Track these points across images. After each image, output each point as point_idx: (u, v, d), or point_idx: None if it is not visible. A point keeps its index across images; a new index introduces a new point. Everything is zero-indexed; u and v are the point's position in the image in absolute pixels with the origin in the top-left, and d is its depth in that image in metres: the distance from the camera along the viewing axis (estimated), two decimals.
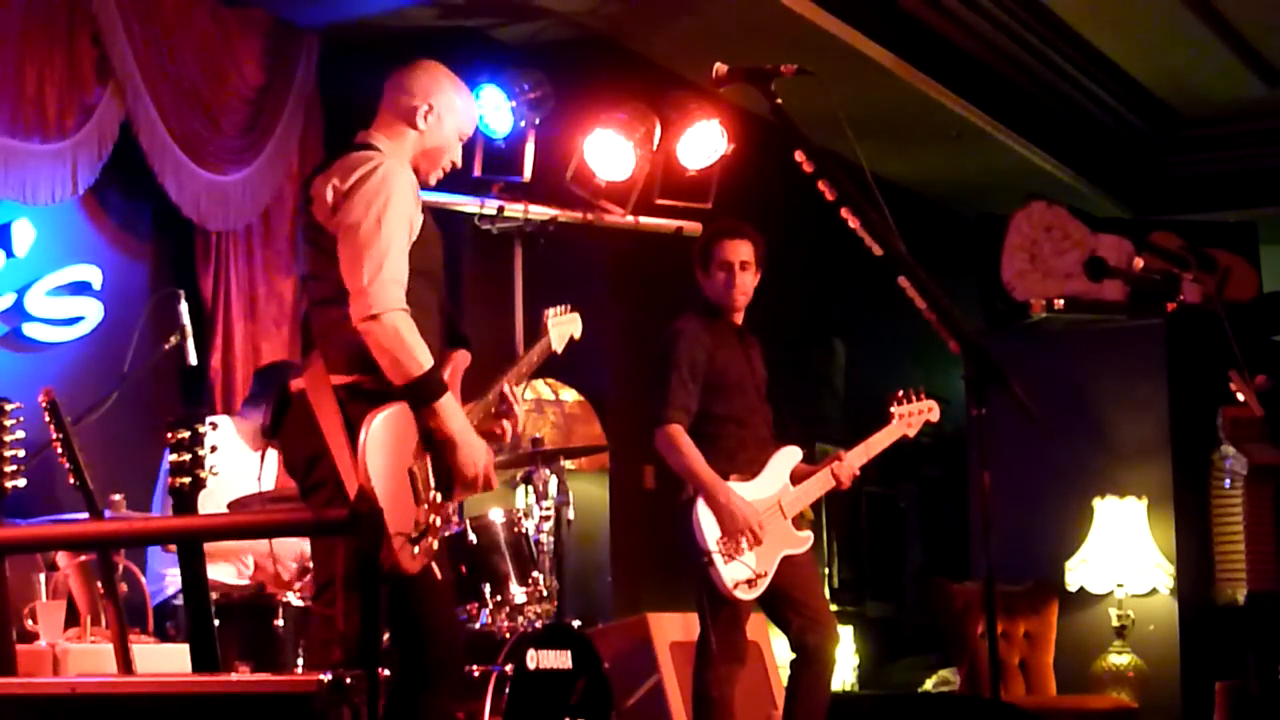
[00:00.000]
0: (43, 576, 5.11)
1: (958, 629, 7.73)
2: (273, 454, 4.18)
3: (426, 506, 3.96)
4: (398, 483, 3.88)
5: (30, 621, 4.97)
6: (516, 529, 5.69)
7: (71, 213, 6.47)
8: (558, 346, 4.73)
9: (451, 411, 4.01)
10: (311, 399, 3.95)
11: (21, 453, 4.42)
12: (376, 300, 3.91)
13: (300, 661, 5.11)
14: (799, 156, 3.69)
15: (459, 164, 4.36)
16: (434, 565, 4.01)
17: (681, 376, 5.52)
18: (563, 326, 4.76)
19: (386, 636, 5.25)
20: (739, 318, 5.72)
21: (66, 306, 6.38)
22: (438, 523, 3.99)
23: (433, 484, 4.00)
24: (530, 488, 5.93)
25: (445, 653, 4.13)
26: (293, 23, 7.17)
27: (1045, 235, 8.46)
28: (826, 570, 9.59)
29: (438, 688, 4.10)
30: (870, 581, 10.32)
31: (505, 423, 4.32)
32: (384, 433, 3.84)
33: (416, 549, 3.88)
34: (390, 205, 3.99)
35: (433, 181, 4.32)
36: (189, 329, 5.63)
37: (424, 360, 3.94)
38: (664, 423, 5.48)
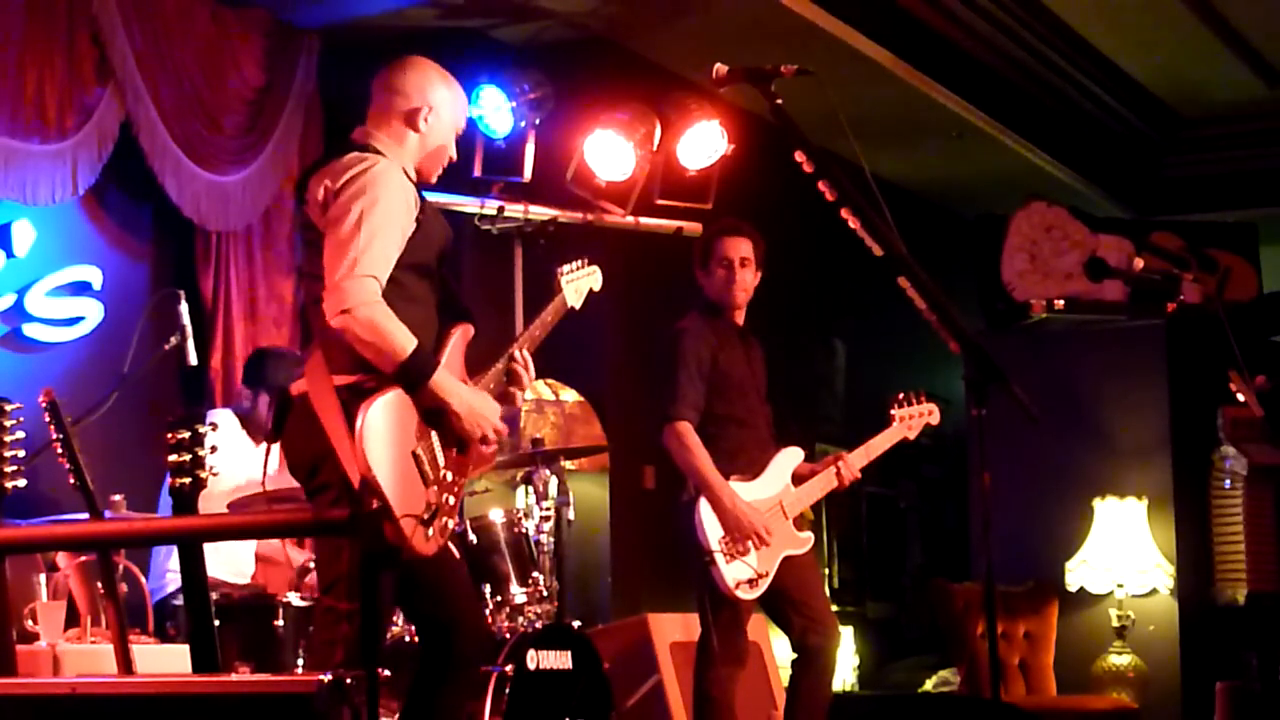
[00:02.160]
0: (43, 577, 5.11)
1: (958, 629, 7.73)
2: (276, 448, 4.17)
3: (437, 487, 3.95)
4: (403, 467, 3.87)
5: (30, 622, 4.97)
6: (517, 529, 5.69)
7: (72, 213, 6.47)
8: (575, 302, 4.58)
9: (446, 385, 3.99)
10: (314, 400, 3.94)
11: (22, 453, 4.42)
12: (349, 295, 3.89)
13: (300, 662, 5.11)
14: (799, 157, 3.69)
15: (455, 158, 4.33)
16: (451, 546, 4.00)
17: (689, 374, 5.52)
18: (580, 281, 4.62)
19: (399, 630, 5.25)
20: (740, 316, 5.71)
21: (67, 307, 6.38)
22: (450, 501, 3.99)
23: (441, 462, 4.00)
24: (530, 488, 5.93)
25: (473, 646, 4.15)
26: (293, 23, 7.17)
27: (1045, 235, 8.46)
28: (827, 571, 9.59)
29: (461, 682, 4.11)
30: (870, 582, 10.33)
31: (514, 389, 4.27)
32: (381, 420, 3.83)
33: (430, 530, 3.88)
34: (375, 205, 3.96)
35: (434, 179, 4.30)
36: (189, 329, 5.62)
37: (406, 343, 3.92)
38: (673, 419, 5.47)
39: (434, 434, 4.00)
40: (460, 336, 4.20)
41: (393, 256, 3.99)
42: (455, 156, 4.33)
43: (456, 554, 4.09)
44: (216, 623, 4.32)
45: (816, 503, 5.72)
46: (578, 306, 4.60)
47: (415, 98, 4.20)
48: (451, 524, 4.01)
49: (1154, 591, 7.97)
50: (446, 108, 4.25)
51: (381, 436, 3.81)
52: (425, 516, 3.87)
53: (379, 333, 3.90)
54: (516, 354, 4.27)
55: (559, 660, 5.42)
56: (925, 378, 6.08)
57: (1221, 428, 7.58)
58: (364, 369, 3.95)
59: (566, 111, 7.29)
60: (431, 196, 6.13)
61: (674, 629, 6.55)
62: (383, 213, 3.98)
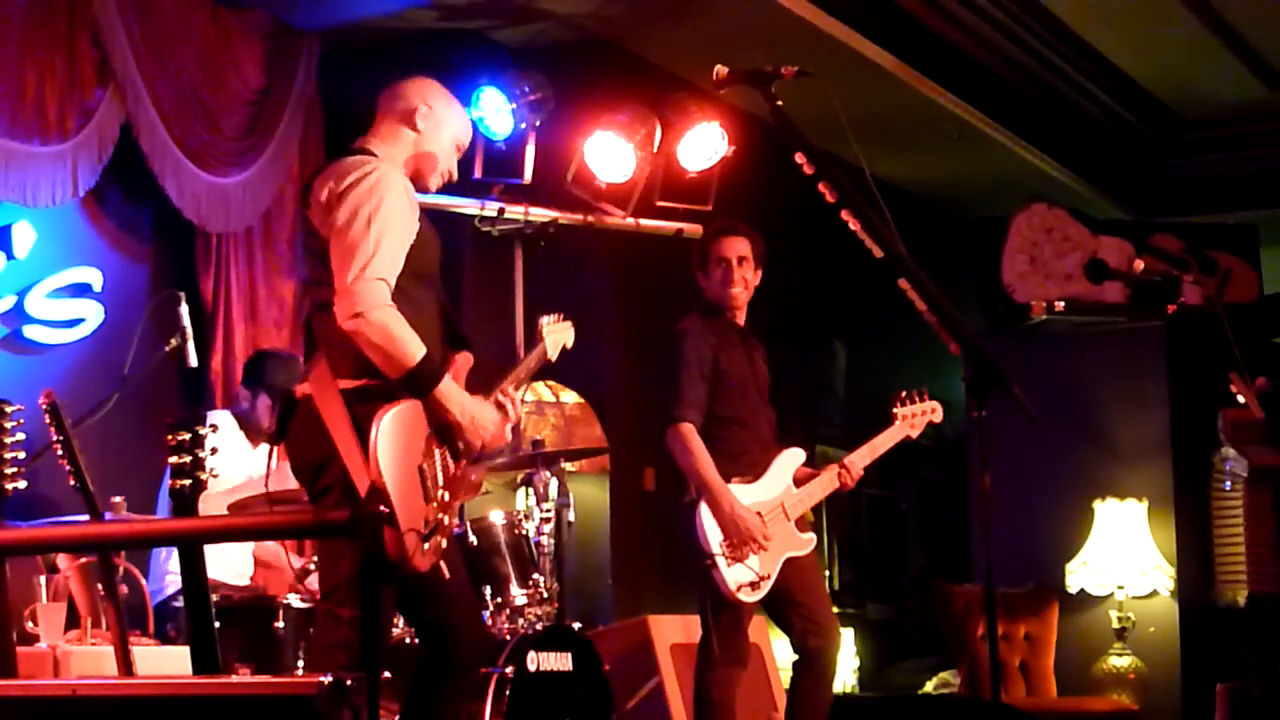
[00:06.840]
0: (43, 579, 5.11)
1: (958, 631, 7.73)
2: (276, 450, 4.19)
3: (435, 504, 3.97)
4: (408, 480, 3.88)
5: (31, 623, 4.97)
6: (517, 531, 5.70)
7: (72, 215, 6.47)
8: (553, 355, 4.79)
9: (452, 395, 4.04)
10: (318, 403, 3.95)
11: (22, 455, 4.42)
12: (361, 299, 3.93)
13: (301, 663, 5.11)
14: (799, 158, 3.69)
15: (455, 176, 4.38)
16: (441, 564, 4.03)
17: (691, 375, 5.51)
18: (556, 335, 4.83)
19: (400, 633, 5.28)
20: (740, 317, 5.71)
21: (67, 309, 6.38)
22: (446, 520, 4.01)
23: (441, 481, 4.01)
24: (531, 490, 5.93)
25: (470, 649, 4.22)
26: (293, 25, 7.18)
27: (1046, 237, 8.46)
28: (827, 572, 9.58)
29: (459, 685, 4.20)
30: (871, 583, 10.32)
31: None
32: (394, 429, 3.84)
33: (426, 546, 3.89)
34: (381, 208, 4.00)
35: (433, 187, 4.34)
36: (189, 331, 5.63)
37: (415, 351, 3.96)
38: (676, 421, 5.46)
39: (438, 452, 4.02)
40: (459, 367, 4.23)
41: (400, 260, 4.02)
42: (455, 174, 4.37)
43: (446, 573, 4.12)
44: (217, 624, 4.32)
45: (816, 505, 5.72)
46: (554, 359, 4.79)
47: (414, 99, 4.28)
48: (445, 543, 4.04)
49: (1154, 593, 7.97)
50: (446, 115, 4.31)
51: (393, 446, 3.82)
52: (425, 532, 3.89)
53: (390, 337, 3.93)
54: (500, 396, 4.32)
55: (559, 662, 5.42)
56: (925, 379, 6.06)
57: (1222, 429, 7.57)
58: (369, 373, 3.96)
59: (567, 113, 7.28)
60: (431, 199, 6.13)
61: (674, 631, 6.55)
62: (388, 215, 4.01)
